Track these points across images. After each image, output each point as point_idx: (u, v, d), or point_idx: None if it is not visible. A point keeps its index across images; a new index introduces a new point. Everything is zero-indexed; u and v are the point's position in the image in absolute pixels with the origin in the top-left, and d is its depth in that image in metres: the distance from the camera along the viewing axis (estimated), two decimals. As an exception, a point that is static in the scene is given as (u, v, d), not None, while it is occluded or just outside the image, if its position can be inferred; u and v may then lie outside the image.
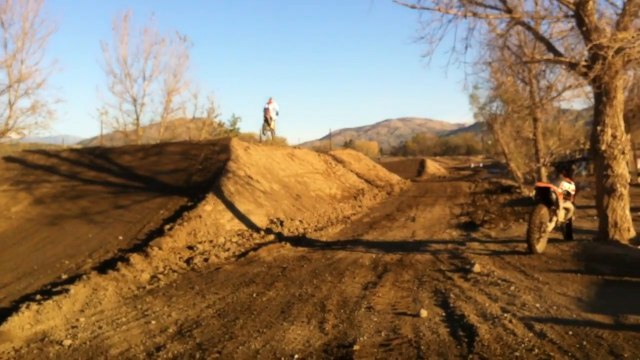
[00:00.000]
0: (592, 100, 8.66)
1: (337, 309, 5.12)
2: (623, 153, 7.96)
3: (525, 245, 7.47)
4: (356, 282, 6.28)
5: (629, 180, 8.31)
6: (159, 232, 9.63)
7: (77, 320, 5.29)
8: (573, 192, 8.33)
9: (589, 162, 11.49)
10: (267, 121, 21.67)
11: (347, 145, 72.21)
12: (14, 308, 5.58)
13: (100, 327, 4.99)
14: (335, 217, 14.16)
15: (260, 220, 11.67)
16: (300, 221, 12.56)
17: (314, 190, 17.62)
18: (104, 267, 7.76)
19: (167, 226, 9.84)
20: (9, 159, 16.97)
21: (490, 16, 8.41)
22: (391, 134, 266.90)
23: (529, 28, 8.93)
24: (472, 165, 60.78)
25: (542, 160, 19.37)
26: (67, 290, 6.16)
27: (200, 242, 9.45)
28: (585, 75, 7.84)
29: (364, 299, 5.45)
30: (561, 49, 8.90)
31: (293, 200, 14.63)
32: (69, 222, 11.32)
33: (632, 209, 8.63)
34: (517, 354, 3.56)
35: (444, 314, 4.71)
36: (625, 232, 7.99)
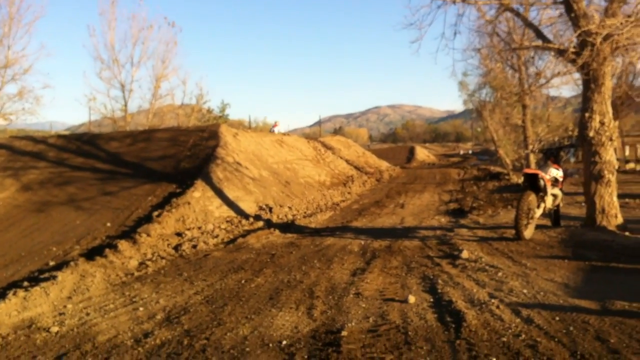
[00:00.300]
0: (581, 87, 8.68)
1: (325, 295, 5.13)
2: (611, 140, 8.01)
3: (513, 231, 7.52)
4: (345, 269, 6.29)
5: (616, 167, 8.38)
6: (147, 219, 9.57)
7: (65, 307, 5.25)
8: (561, 179, 8.39)
9: (577, 148, 11.58)
10: None
11: (337, 132, 72.04)
12: (0, 295, 5.51)
13: (87, 314, 4.96)
14: (325, 204, 14.18)
15: (249, 206, 11.64)
16: (289, 208, 12.56)
17: (303, 177, 17.61)
18: (91, 254, 7.70)
19: (156, 213, 9.77)
20: (-5, 145, 16.71)
21: (480, 2, 8.40)
22: (381, 121, 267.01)
23: (518, 14, 8.94)
24: (462, 152, 61.12)
25: (530, 147, 19.51)
26: (54, 277, 6.10)
27: (188, 229, 9.41)
28: (573, 62, 7.85)
29: (353, 285, 5.46)
30: (550, 36, 8.93)
31: (282, 186, 14.61)
32: (57, 209, 11.21)
33: (620, 196, 8.71)
34: (504, 339, 3.58)
35: (431, 299, 4.73)
36: (613, 218, 8.06)
